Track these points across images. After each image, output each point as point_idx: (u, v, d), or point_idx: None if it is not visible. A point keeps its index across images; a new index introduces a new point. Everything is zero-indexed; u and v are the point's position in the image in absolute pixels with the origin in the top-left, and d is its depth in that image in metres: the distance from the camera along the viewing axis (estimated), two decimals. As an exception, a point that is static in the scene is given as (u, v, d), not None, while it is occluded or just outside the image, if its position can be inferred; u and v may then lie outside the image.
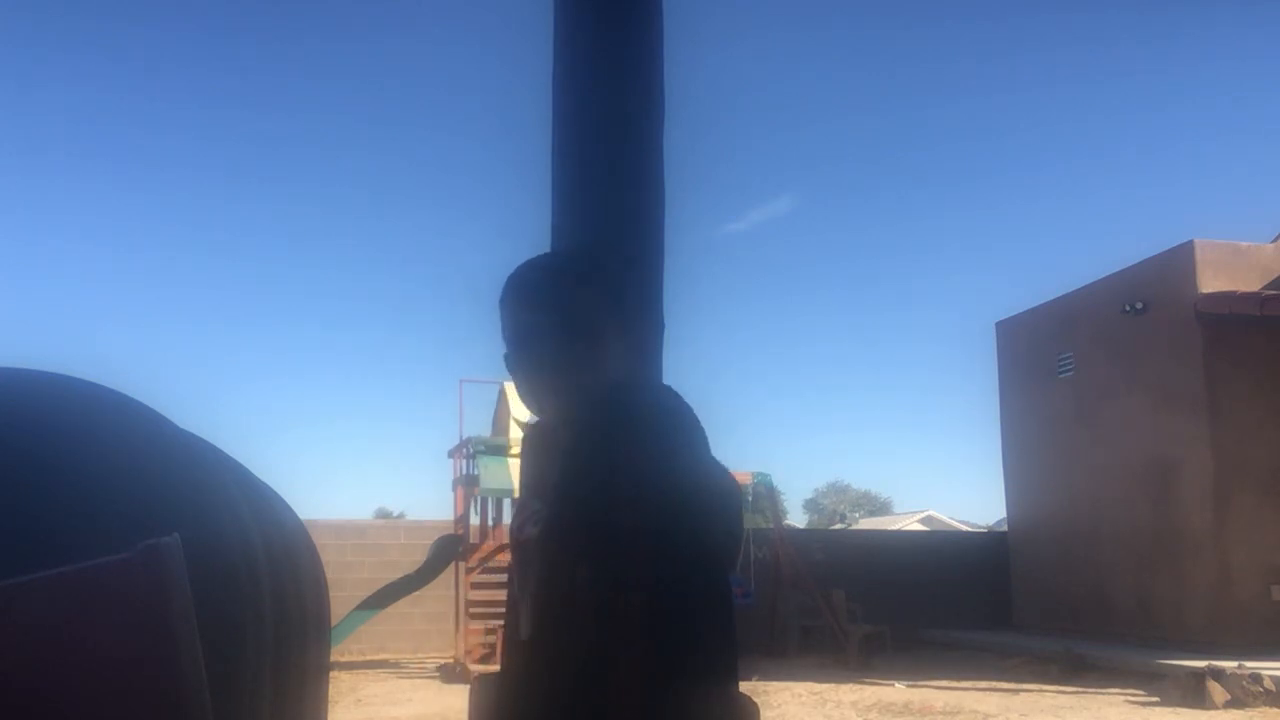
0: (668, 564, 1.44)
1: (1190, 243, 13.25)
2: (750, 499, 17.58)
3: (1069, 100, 78.64)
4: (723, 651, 1.50)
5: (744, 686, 1.56)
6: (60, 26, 56.05)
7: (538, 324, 1.60)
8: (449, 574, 13.20)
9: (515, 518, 1.71)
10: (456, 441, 14.21)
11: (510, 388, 12.41)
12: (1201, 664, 10.42)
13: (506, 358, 1.66)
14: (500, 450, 13.14)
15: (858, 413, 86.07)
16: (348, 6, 60.67)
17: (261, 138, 64.52)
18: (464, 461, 13.83)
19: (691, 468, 1.52)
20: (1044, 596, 15.90)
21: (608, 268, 1.76)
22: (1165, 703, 9.82)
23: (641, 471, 1.47)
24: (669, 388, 1.67)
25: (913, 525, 41.18)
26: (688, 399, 1.59)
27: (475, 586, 12.91)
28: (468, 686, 1.69)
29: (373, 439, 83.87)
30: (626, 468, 1.48)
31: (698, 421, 1.58)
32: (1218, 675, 9.89)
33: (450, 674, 12.61)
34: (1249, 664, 10.43)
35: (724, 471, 1.59)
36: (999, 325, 17.37)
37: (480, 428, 14.42)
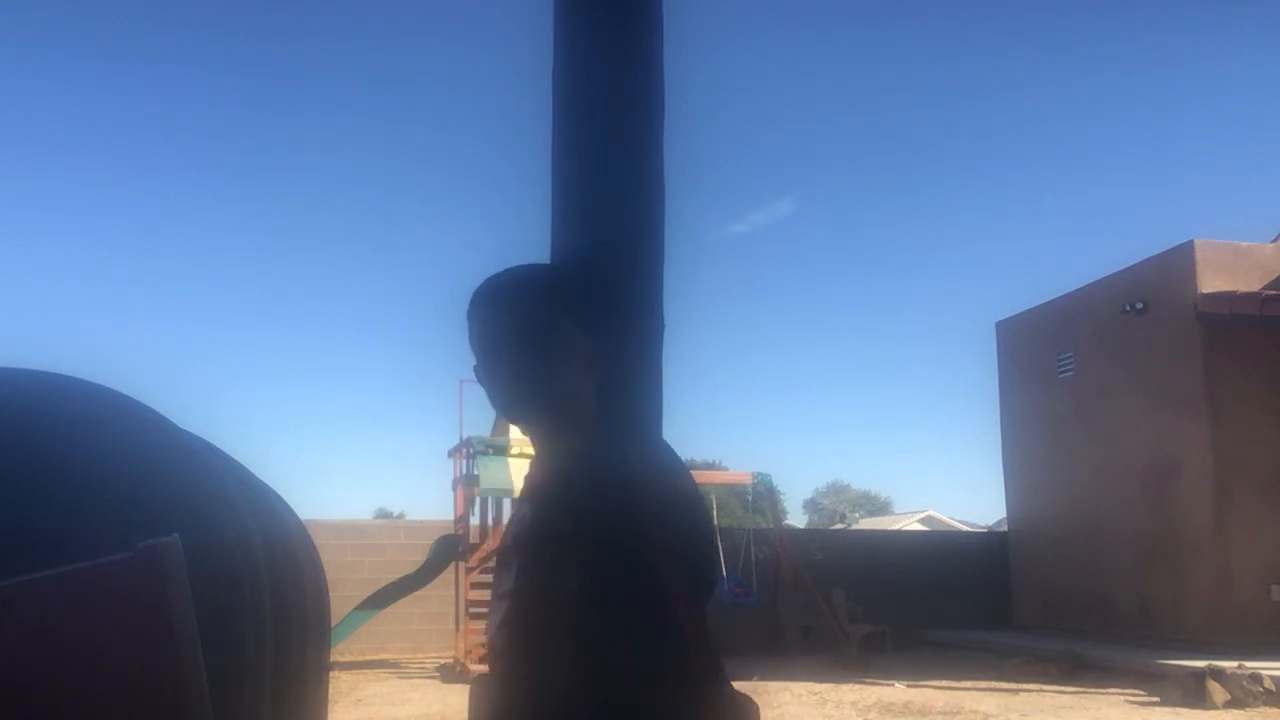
0: (643, 574, 1.45)
1: (1190, 243, 13.25)
2: (750, 499, 17.60)
3: (1069, 100, 78.72)
4: (702, 660, 1.50)
5: (744, 686, 1.56)
6: (61, 26, 56.03)
7: (498, 334, 1.62)
8: (449, 574, 13.20)
9: (509, 523, 1.73)
10: (456, 441, 14.21)
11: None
12: (1201, 664, 10.42)
13: (475, 369, 1.68)
14: (500, 450, 13.14)
15: (858, 413, 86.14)
16: (347, 7, 60.65)
17: (261, 137, 64.56)
18: (464, 461, 13.83)
19: (672, 486, 1.55)
20: (1044, 596, 15.90)
21: (573, 281, 1.77)
22: (1165, 703, 9.82)
23: (627, 472, 1.51)
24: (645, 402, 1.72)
25: (913, 525, 41.19)
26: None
27: (475, 586, 12.91)
28: (469, 687, 1.70)
29: (373, 439, 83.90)
30: (611, 468, 1.51)
31: (675, 453, 1.64)
32: (1218, 675, 9.89)
33: (450, 674, 12.61)
34: (1249, 664, 10.43)
35: (697, 494, 1.62)
36: (999, 325, 17.37)
37: (480, 428, 14.42)
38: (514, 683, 1.52)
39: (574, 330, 1.65)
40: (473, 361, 1.69)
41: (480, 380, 1.67)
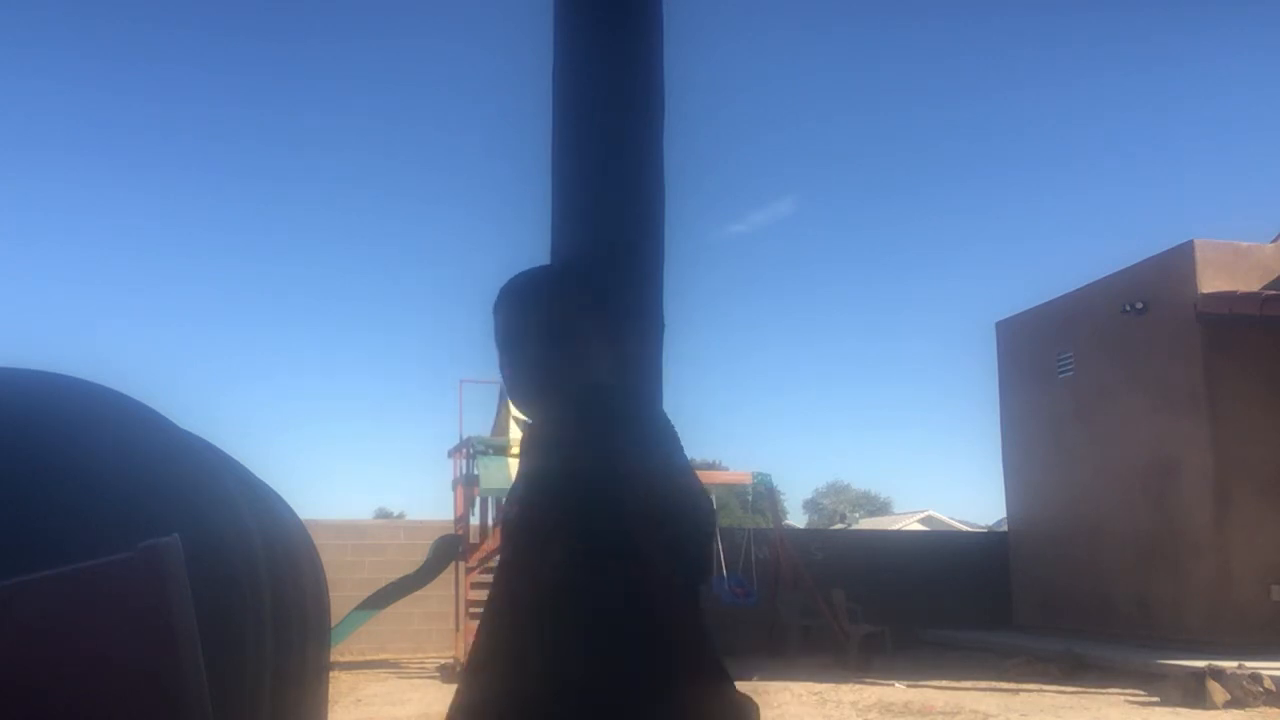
0: (630, 552, 1.47)
1: (1190, 243, 13.25)
2: (750, 499, 17.58)
3: (1069, 100, 78.75)
4: (696, 649, 1.50)
5: (744, 686, 1.57)
6: (61, 26, 56.05)
7: (523, 329, 1.67)
8: (449, 574, 13.20)
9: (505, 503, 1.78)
10: (456, 441, 14.21)
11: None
12: (1201, 664, 10.42)
13: (500, 362, 1.73)
14: (500, 450, 13.14)
15: (858, 413, 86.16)
16: (347, 7, 60.67)
17: (262, 137, 64.57)
18: (464, 461, 13.83)
19: (664, 466, 1.58)
20: (1044, 596, 15.90)
21: (594, 279, 1.83)
22: (1165, 703, 9.82)
23: (618, 461, 1.53)
24: (652, 397, 1.73)
25: (913, 525, 41.19)
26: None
27: (475, 586, 12.89)
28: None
29: (373, 439, 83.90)
30: (603, 457, 1.54)
31: (673, 428, 1.67)
32: (1218, 675, 9.89)
33: (450, 674, 12.60)
34: (1249, 664, 10.43)
35: (695, 478, 1.64)
36: (999, 325, 17.37)
37: (480, 428, 14.43)
38: (490, 664, 1.54)
39: (597, 332, 1.68)
40: (496, 355, 1.73)
41: (503, 374, 1.72)
